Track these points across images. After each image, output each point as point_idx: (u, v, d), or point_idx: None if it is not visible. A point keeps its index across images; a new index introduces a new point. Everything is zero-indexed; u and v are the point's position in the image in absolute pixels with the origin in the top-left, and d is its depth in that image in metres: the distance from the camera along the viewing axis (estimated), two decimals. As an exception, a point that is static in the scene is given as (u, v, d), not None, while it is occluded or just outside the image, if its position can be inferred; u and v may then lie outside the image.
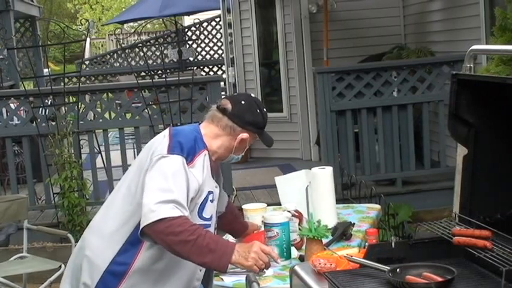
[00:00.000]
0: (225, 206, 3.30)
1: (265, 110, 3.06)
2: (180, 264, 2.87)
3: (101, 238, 2.90)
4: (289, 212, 3.61)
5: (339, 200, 4.38)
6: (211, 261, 2.71)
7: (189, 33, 16.13)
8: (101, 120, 7.57)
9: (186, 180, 2.76)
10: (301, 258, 3.35)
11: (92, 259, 2.88)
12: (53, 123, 7.06)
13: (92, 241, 2.93)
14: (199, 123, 3.06)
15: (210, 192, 2.91)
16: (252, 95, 3.18)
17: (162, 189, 2.70)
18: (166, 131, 2.96)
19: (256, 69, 9.46)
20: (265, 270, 2.85)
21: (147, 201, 2.69)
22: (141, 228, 2.69)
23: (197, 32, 15.97)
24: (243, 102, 3.02)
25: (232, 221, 3.40)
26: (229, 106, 2.98)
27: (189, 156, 2.82)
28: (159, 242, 2.73)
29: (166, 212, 2.64)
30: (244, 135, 2.98)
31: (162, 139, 2.91)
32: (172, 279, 2.89)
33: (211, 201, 2.93)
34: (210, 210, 2.93)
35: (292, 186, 4.02)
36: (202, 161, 2.86)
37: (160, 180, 2.73)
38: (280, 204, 4.08)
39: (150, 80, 8.17)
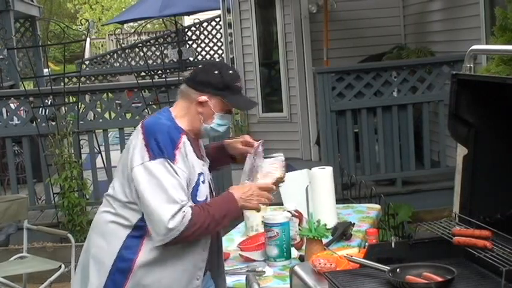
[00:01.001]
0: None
1: (230, 71, 2.95)
2: (183, 249, 2.89)
3: (102, 236, 2.92)
4: (289, 212, 3.61)
5: (339, 200, 4.38)
6: (229, 221, 2.90)
7: (189, 33, 16.14)
8: (101, 120, 7.57)
9: (177, 179, 2.77)
10: (301, 258, 3.35)
11: (98, 256, 2.91)
12: (53, 123, 7.06)
13: (95, 240, 2.96)
14: (169, 107, 3.01)
15: (200, 174, 2.91)
16: (220, 60, 3.12)
17: (167, 201, 2.73)
18: (139, 131, 2.87)
19: (256, 69, 9.45)
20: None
21: (159, 219, 2.73)
22: (165, 243, 2.77)
23: (197, 32, 15.98)
24: (200, 66, 3.04)
25: (218, 158, 3.25)
26: (187, 74, 2.99)
27: (170, 154, 2.79)
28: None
29: (181, 223, 2.72)
30: (202, 97, 2.90)
31: (136, 141, 2.85)
32: (178, 264, 2.90)
33: (203, 182, 2.93)
34: (204, 191, 2.93)
35: (294, 185, 4.02)
36: (182, 152, 2.83)
37: (160, 193, 2.74)
38: (280, 204, 4.08)
39: (150, 80, 8.18)
